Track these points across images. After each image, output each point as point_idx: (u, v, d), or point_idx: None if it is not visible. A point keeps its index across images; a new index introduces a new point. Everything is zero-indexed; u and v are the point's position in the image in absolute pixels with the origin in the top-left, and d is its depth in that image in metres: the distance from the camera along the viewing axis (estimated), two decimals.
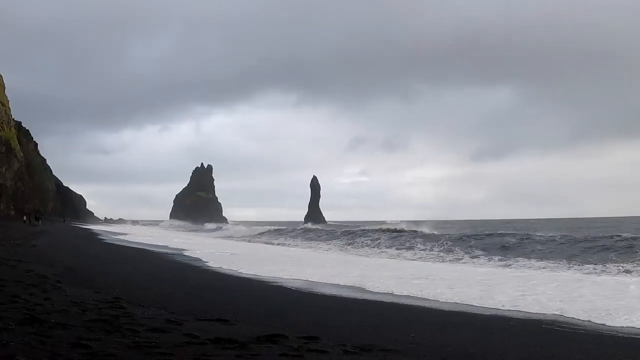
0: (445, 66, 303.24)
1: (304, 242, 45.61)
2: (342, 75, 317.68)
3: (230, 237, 61.49)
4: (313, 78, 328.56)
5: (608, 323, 9.81)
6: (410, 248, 32.52)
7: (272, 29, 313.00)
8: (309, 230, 55.23)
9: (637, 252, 22.94)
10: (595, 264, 21.29)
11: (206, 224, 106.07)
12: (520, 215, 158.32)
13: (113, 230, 67.57)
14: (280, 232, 58.73)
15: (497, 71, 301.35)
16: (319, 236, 48.25)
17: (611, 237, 28.01)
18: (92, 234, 51.77)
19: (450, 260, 26.05)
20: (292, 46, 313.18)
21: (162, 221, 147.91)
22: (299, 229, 57.38)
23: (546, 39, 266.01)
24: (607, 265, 20.87)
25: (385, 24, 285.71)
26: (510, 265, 23.23)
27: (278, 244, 46.69)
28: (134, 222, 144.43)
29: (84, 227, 77.35)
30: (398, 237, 37.70)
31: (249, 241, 52.94)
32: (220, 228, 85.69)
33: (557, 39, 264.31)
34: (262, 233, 59.78)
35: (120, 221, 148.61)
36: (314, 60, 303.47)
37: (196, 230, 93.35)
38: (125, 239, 43.58)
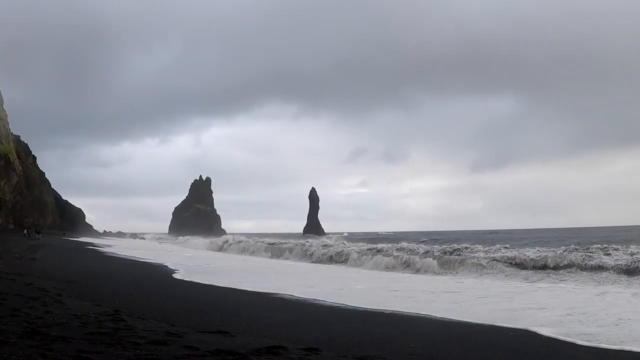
0: (447, 75, 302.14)
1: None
2: (342, 86, 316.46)
3: (193, 248, 66.35)
4: (313, 89, 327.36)
5: (605, 336, 9.79)
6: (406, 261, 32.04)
7: (272, 40, 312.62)
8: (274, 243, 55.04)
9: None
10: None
11: (179, 237, 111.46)
12: (520, 226, 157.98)
13: (100, 243, 67.95)
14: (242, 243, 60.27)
15: (498, 80, 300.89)
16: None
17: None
18: (86, 247, 51.72)
19: (446, 274, 25.98)
20: (291, 57, 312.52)
21: (147, 233, 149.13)
22: (262, 241, 58.08)
23: (547, 48, 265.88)
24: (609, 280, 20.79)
25: (386, 33, 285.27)
26: (507, 277, 23.15)
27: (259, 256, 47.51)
28: (133, 235, 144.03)
29: (79, 240, 77.18)
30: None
31: (224, 252, 54.57)
32: (187, 240, 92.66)
33: (558, 48, 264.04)
34: (228, 244, 61.91)
35: (120, 234, 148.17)
36: (314, 71, 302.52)
37: (171, 242, 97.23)
38: (112, 251, 43.62)
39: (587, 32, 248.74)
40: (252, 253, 51.35)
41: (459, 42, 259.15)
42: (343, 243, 45.98)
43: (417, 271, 27.45)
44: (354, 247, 39.29)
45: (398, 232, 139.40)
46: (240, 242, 61.11)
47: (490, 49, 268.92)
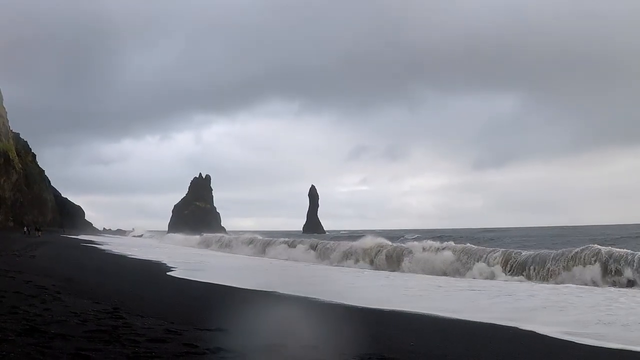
0: (451, 73, 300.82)
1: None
2: (346, 83, 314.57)
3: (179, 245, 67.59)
4: (316, 86, 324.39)
5: (605, 336, 9.77)
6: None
7: (275, 37, 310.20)
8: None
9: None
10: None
11: (169, 234, 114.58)
12: (521, 224, 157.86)
13: (99, 240, 68.29)
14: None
15: (501, 78, 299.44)
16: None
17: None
18: (85, 244, 51.76)
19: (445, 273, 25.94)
20: (294, 53, 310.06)
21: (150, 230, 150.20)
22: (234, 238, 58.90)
23: (551, 46, 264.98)
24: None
25: (391, 30, 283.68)
26: (503, 277, 23.06)
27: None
28: (128, 232, 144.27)
29: (78, 237, 77.27)
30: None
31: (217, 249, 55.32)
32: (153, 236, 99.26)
33: (561, 47, 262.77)
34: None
35: (120, 232, 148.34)
36: (317, 68, 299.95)
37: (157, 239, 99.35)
38: (110, 249, 43.65)
39: (590, 31, 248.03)
40: (231, 248, 51.87)
41: (464, 39, 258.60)
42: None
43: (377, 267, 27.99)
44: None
45: (396, 229, 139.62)
46: (220, 239, 62.25)
47: (494, 46, 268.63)
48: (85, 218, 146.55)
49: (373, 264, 29.27)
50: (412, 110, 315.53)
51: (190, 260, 32.54)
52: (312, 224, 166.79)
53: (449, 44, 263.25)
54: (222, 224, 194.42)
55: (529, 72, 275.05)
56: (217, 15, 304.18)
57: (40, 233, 63.11)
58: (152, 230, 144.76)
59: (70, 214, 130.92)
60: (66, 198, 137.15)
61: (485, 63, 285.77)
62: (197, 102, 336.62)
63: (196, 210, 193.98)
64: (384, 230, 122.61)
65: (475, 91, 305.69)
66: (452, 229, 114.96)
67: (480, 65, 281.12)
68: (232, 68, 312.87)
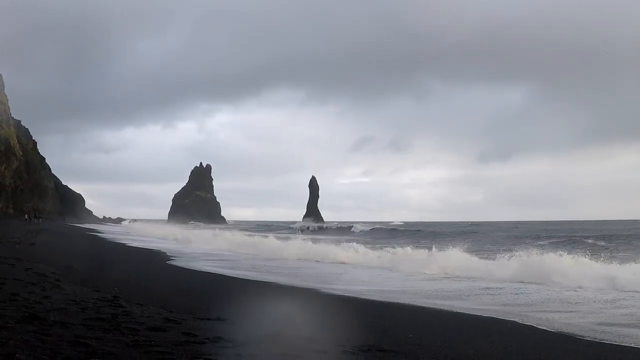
0: (459, 64, 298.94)
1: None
2: (353, 72, 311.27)
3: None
4: (323, 75, 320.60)
5: (611, 332, 9.77)
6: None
7: (282, 25, 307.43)
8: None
9: None
10: None
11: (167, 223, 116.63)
12: (524, 218, 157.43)
13: (99, 229, 68.52)
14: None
15: (509, 71, 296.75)
16: None
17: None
18: (85, 232, 51.83)
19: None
20: (302, 42, 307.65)
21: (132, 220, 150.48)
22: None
23: (558, 40, 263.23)
24: None
25: (399, 20, 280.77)
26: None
27: None
28: (132, 222, 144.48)
29: (78, 225, 77.43)
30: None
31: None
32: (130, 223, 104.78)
33: (568, 40, 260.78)
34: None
35: (119, 220, 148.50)
36: (324, 57, 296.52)
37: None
38: (110, 237, 43.77)
39: (599, 25, 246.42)
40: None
41: (473, 30, 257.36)
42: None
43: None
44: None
45: (394, 222, 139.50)
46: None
47: (502, 38, 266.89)
48: (86, 206, 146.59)
49: None
50: (419, 101, 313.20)
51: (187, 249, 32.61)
52: (312, 215, 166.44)
53: (457, 35, 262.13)
54: (222, 213, 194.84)
55: (536, 65, 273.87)
56: (223, 2, 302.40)
57: (39, 220, 63.22)
58: (137, 219, 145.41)
59: (71, 202, 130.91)
60: (67, 186, 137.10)
61: (492, 55, 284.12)
62: (200, 90, 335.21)
63: (196, 199, 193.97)
64: (344, 222, 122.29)
65: (482, 83, 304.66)
66: (449, 222, 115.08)
67: (487, 57, 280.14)
68: (238, 56, 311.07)
